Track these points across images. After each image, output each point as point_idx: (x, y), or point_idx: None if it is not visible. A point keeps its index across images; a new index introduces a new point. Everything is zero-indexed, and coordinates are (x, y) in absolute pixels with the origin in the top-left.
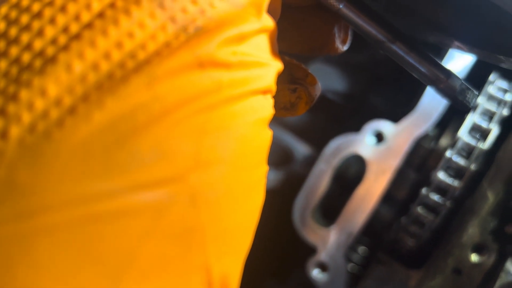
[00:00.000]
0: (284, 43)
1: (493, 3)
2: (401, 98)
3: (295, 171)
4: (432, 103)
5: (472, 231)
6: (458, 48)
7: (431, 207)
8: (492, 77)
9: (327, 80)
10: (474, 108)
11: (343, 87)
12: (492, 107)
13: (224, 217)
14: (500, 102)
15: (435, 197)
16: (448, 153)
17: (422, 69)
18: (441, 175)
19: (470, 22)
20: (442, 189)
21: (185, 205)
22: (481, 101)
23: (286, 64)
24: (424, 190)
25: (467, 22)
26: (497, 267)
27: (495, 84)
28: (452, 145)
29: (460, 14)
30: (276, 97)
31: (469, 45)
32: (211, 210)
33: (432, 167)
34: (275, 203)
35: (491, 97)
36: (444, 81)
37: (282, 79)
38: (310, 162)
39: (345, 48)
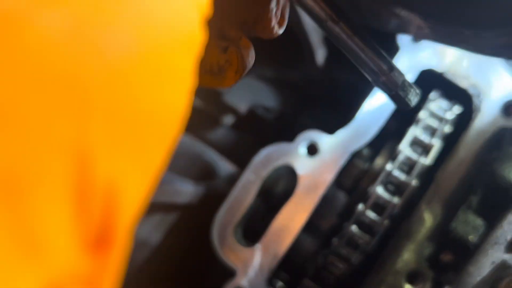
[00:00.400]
0: (216, 11)
1: None
2: (333, 119)
3: (217, 188)
4: (369, 119)
5: (408, 257)
6: (419, 31)
7: (367, 226)
8: (432, 95)
9: (258, 96)
10: (416, 121)
11: (274, 105)
12: (433, 123)
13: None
14: (441, 120)
15: (371, 214)
16: (388, 167)
17: (364, 57)
18: (380, 191)
19: None
20: (380, 205)
21: None
22: (423, 116)
23: (217, 18)
24: (360, 207)
25: None
26: None
27: (436, 102)
28: (393, 158)
29: None
30: (202, 55)
31: (432, 21)
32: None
33: (369, 184)
34: (192, 220)
35: (432, 114)
36: (386, 73)
37: (212, 34)
38: (233, 180)
39: (280, 31)
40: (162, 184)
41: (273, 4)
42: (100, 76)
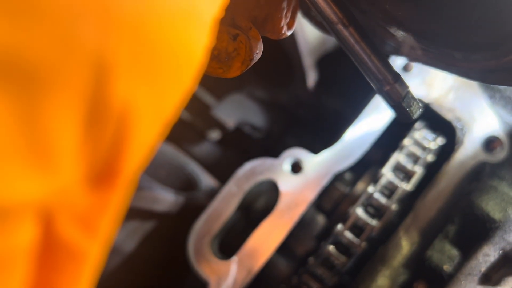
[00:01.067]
0: (229, 5)
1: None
2: (318, 142)
3: (197, 200)
4: (354, 143)
5: (382, 282)
6: (412, 51)
7: (344, 247)
8: (417, 125)
9: (246, 113)
10: (401, 148)
11: (261, 123)
12: (417, 151)
13: (144, 38)
14: (425, 149)
15: (349, 235)
16: (369, 189)
17: (370, 64)
18: (360, 212)
19: (430, 18)
20: (358, 227)
21: None
22: (407, 143)
23: (230, 8)
24: (339, 227)
25: (426, 17)
26: None
27: (421, 132)
28: (375, 182)
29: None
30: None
31: (425, 42)
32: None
33: (349, 206)
34: (169, 229)
35: (416, 142)
36: (391, 83)
37: (224, 20)
38: (214, 194)
39: (288, 33)
40: (142, 189)
41: (284, 4)
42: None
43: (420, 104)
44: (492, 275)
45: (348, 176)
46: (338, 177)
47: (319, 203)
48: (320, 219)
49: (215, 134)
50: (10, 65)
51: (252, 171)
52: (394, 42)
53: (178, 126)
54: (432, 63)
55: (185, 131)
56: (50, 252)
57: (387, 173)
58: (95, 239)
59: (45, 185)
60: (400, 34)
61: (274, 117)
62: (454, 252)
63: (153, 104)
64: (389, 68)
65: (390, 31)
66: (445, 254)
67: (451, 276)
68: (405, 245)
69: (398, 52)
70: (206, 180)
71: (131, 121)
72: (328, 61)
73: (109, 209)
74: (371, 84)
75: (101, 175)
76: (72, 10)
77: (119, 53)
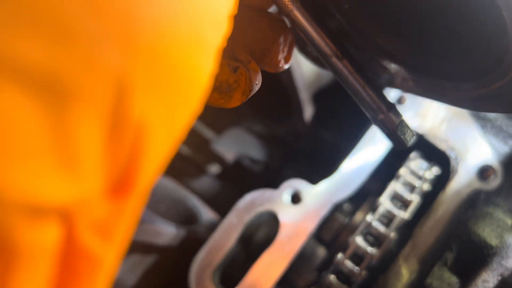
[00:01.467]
0: (229, 39)
1: (444, 30)
2: (316, 174)
3: (198, 233)
4: (352, 173)
5: None
6: (404, 83)
7: (345, 276)
8: (413, 155)
9: (245, 147)
10: (397, 177)
11: (260, 157)
12: (413, 180)
13: (161, 55)
14: (421, 178)
15: (350, 264)
16: (368, 218)
17: (364, 94)
18: (359, 241)
19: (419, 51)
20: (358, 256)
21: None
22: (403, 173)
23: (230, 42)
24: (339, 256)
25: (416, 51)
26: None
27: (416, 162)
28: (373, 210)
29: (410, 44)
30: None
31: (416, 74)
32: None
33: (349, 235)
34: (171, 263)
35: (412, 172)
36: (385, 112)
37: (225, 52)
38: (215, 227)
39: (286, 66)
40: (143, 223)
41: (281, 39)
42: (151, 21)
43: (414, 132)
44: None
45: (347, 207)
46: (337, 208)
47: (319, 235)
48: (321, 251)
49: (214, 168)
50: (47, 81)
51: (252, 203)
52: (387, 74)
53: (178, 160)
54: (424, 94)
55: (185, 165)
56: (70, 255)
57: (384, 201)
58: (111, 246)
59: (71, 190)
60: (392, 66)
61: (273, 150)
62: (454, 280)
63: (166, 122)
64: (383, 98)
65: (382, 64)
66: (444, 281)
67: None
68: (405, 273)
69: (391, 84)
70: (207, 213)
71: (147, 136)
72: (324, 96)
73: (125, 218)
74: (366, 114)
75: (119, 185)
76: (98, 36)
77: (137, 74)
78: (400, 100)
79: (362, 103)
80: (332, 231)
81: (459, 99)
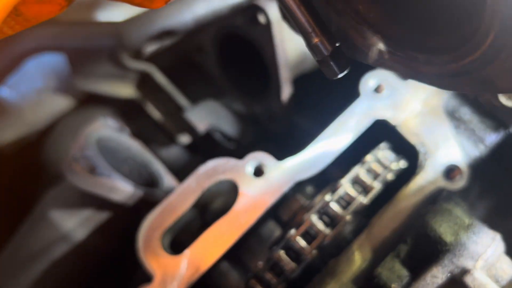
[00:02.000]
0: None
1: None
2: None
3: (156, 197)
4: (318, 155)
5: None
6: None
7: (295, 253)
8: (382, 145)
9: (219, 120)
10: (362, 162)
11: (231, 132)
12: (378, 169)
13: None
14: (386, 168)
15: (301, 242)
16: (326, 198)
17: (300, 15)
18: (314, 219)
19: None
20: (311, 235)
21: None
22: (369, 159)
23: None
24: (291, 232)
25: (394, 19)
26: None
27: (384, 153)
28: (333, 191)
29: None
30: None
31: (392, 44)
32: None
33: (306, 212)
34: (124, 221)
35: (378, 160)
36: (319, 35)
37: None
38: None
39: None
40: (100, 176)
41: None
42: None
43: (349, 63)
44: None
45: (309, 190)
46: (299, 190)
47: (277, 215)
48: (277, 232)
49: (184, 139)
50: None
51: (214, 170)
52: (364, 45)
53: (149, 125)
54: (398, 68)
55: (155, 131)
56: None
57: (345, 184)
58: None
59: None
60: (370, 36)
61: (245, 127)
62: (404, 272)
63: None
64: (321, 22)
65: (361, 33)
66: (394, 273)
67: None
68: (357, 260)
69: (367, 58)
70: (169, 180)
71: None
72: (305, 81)
73: None
74: (303, 39)
75: None
76: None
77: None
78: (377, 89)
79: (298, 26)
80: (291, 212)
81: (431, 76)
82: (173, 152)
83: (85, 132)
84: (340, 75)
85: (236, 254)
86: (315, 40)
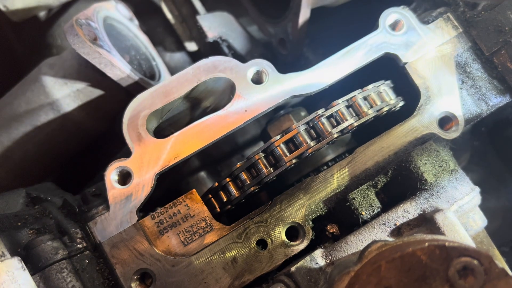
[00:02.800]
0: None
1: None
2: None
3: (149, 85)
4: (321, 75)
5: (296, 210)
6: None
7: (274, 159)
8: (387, 82)
9: (229, 33)
10: (363, 90)
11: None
12: (376, 99)
13: None
14: (383, 101)
15: (284, 147)
16: (319, 111)
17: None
18: (301, 129)
19: None
20: (295, 143)
21: None
22: (370, 87)
23: None
24: (276, 137)
25: None
26: (304, 254)
27: (385, 87)
28: (326, 109)
29: None
30: None
31: None
32: None
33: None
34: (115, 99)
35: (378, 92)
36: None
37: None
38: None
39: None
40: (101, 48)
41: None
42: None
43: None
44: (404, 231)
45: (304, 115)
46: (293, 112)
47: (266, 132)
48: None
49: (191, 46)
50: None
51: (214, 65)
52: None
53: (159, 27)
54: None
55: (164, 34)
56: None
57: (340, 103)
58: None
59: None
60: None
61: (254, 48)
62: (377, 203)
63: None
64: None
65: None
66: (367, 201)
67: (366, 223)
68: (334, 183)
69: None
70: (168, 77)
71: None
72: (323, 15)
73: None
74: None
75: None
76: None
77: None
78: (396, 27)
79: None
80: (280, 129)
81: None
82: (176, 57)
83: (95, 5)
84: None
85: (216, 167)
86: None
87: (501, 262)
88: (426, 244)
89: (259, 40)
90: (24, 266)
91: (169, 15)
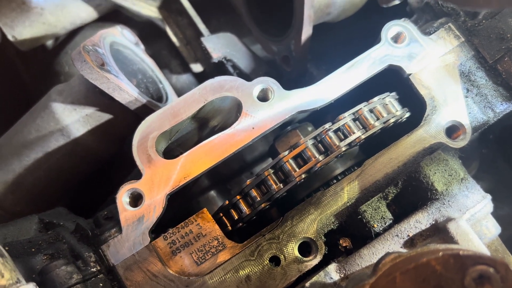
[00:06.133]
0: None
1: None
2: None
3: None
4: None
5: (308, 225)
6: None
7: (284, 175)
8: (393, 94)
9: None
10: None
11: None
12: (381, 110)
13: None
14: (389, 112)
15: (292, 163)
16: (326, 126)
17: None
18: (309, 144)
19: None
20: (303, 158)
21: None
22: (376, 100)
23: None
24: (285, 153)
25: None
26: (317, 269)
27: (391, 99)
28: (333, 123)
29: None
30: None
31: None
32: None
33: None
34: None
35: (384, 105)
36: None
37: None
38: None
39: None
40: (109, 73)
41: None
42: None
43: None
44: (418, 241)
45: (311, 130)
46: (300, 127)
47: (274, 149)
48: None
49: (197, 67)
50: None
51: (220, 85)
52: None
53: (165, 50)
54: None
55: (170, 57)
56: None
57: (347, 117)
58: None
59: None
60: None
61: (258, 67)
62: (388, 215)
63: None
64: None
65: None
66: (379, 213)
67: (378, 235)
68: (344, 196)
69: None
70: (174, 99)
71: None
72: (325, 31)
73: None
74: None
75: None
76: None
77: None
78: (398, 39)
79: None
80: (288, 145)
81: None
82: (183, 79)
83: (101, 31)
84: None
85: (225, 186)
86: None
87: None
88: (440, 253)
89: (263, 59)
90: None
91: (174, 38)
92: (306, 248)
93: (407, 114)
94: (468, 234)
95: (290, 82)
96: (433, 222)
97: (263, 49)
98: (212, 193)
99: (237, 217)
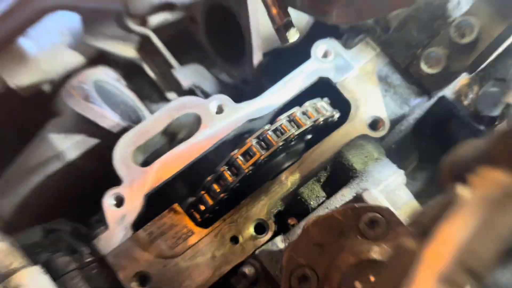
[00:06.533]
0: None
1: None
2: None
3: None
4: (270, 100)
5: (260, 209)
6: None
7: (235, 169)
8: (325, 99)
9: (200, 80)
10: (302, 106)
11: (210, 91)
12: (313, 112)
13: None
14: (319, 113)
15: (241, 159)
16: (266, 127)
17: None
18: (254, 142)
19: None
20: (249, 154)
21: None
22: (308, 104)
23: None
24: (234, 151)
25: None
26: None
27: (322, 103)
28: (271, 123)
29: None
30: None
31: None
32: None
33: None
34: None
35: (315, 107)
36: (276, 7)
37: None
38: None
39: None
40: (94, 104)
41: None
42: None
43: (297, 35)
44: None
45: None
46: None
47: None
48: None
49: (172, 95)
50: None
51: (183, 104)
52: None
53: (144, 84)
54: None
55: (149, 90)
56: None
57: (283, 119)
58: None
59: None
60: None
61: (223, 89)
62: (322, 193)
63: None
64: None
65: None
66: (314, 193)
67: (314, 210)
68: (288, 183)
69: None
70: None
71: None
72: (275, 53)
73: None
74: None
75: None
76: None
77: None
78: (325, 55)
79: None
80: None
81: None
82: (160, 106)
83: (86, 71)
84: (289, 43)
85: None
86: (274, 11)
87: None
88: (341, 207)
89: (228, 83)
90: (45, 271)
91: (151, 74)
92: (260, 228)
93: (338, 114)
94: (378, 199)
95: (251, 98)
96: (354, 195)
97: (227, 75)
98: (190, 199)
99: (203, 208)
